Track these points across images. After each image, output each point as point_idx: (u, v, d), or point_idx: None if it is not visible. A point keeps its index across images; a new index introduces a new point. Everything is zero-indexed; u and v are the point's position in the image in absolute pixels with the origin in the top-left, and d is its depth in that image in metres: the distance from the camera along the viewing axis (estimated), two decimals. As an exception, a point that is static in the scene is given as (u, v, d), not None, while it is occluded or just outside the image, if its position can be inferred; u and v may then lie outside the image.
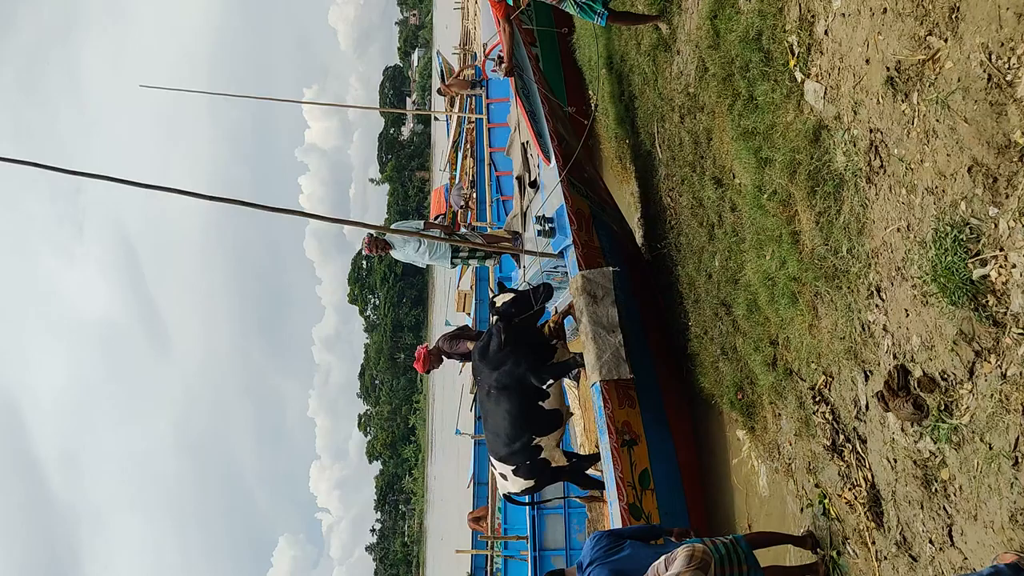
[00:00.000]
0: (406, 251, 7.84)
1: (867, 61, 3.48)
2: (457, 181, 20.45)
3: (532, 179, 7.23)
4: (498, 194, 14.63)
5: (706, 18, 5.19)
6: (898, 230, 3.36)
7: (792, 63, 4.13)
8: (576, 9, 6.30)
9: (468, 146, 19.48)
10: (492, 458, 6.83)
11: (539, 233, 6.39)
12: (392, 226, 8.47)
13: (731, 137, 4.90)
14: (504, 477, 6.77)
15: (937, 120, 3.00)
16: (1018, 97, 2.57)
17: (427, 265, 8.63)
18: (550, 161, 6.44)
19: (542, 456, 6.50)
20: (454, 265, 8.43)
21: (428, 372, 8.16)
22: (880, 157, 3.46)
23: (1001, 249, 2.72)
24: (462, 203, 18.84)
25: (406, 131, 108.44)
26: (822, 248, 3.97)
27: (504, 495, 7.51)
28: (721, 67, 4.98)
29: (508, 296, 6.50)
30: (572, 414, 7.89)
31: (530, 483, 6.70)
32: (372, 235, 7.79)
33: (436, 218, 21.78)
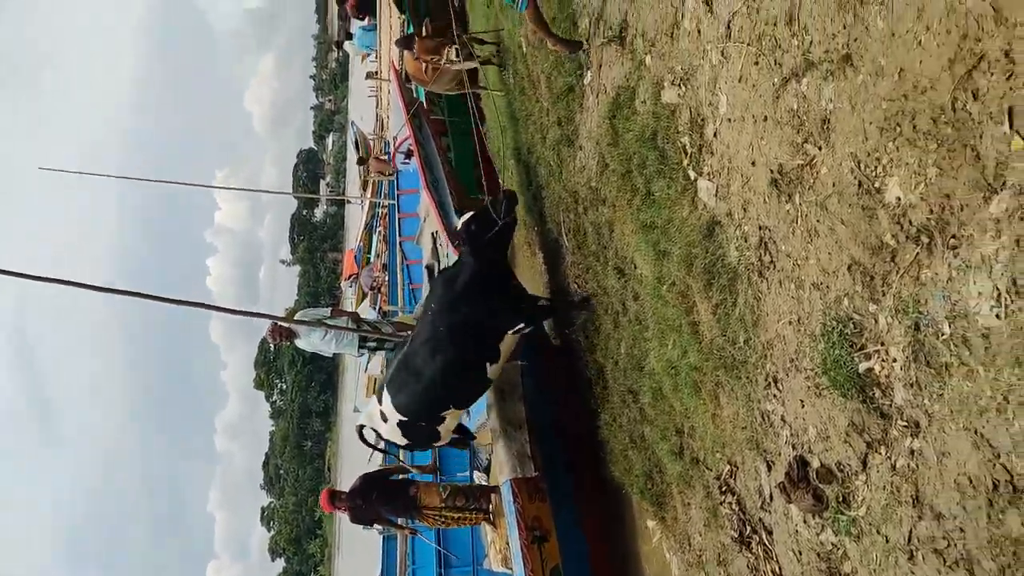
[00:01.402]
0: (311, 339, 7.66)
1: (753, 163, 3.67)
2: (370, 264, 20.38)
3: (441, 268, 7.27)
4: (409, 282, 14.64)
5: (605, 117, 5.41)
6: (790, 323, 3.49)
7: (685, 162, 4.32)
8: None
9: (381, 229, 19.51)
10: (386, 392, 5.92)
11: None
12: (297, 315, 8.31)
13: (631, 230, 5.05)
14: (384, 418, 6.01)
15: (818, 221, 3.17)
16: (886, 203, 2.73)
17: (334, 354, 8.43)
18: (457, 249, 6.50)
19: (438, 428, 5.91)
20: (361, 354, 8.28)
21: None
22: (770, 253, 3.61)
23: (882, 344, 2.85)
24: (373, 286, 18.75)
25: (319, 212, 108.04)
26: (720, 339, 4.08)
27: (359, 426, 6.57)
28: (620, 163, 5.17)
29: (467, 216, 5.74)
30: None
31: (404, 442, 6.18)
32: (276, 323, 7.62)
33: (348, 278, 21.49)
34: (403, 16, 11.85)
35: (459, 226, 5.68)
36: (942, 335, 2.51)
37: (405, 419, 5.84)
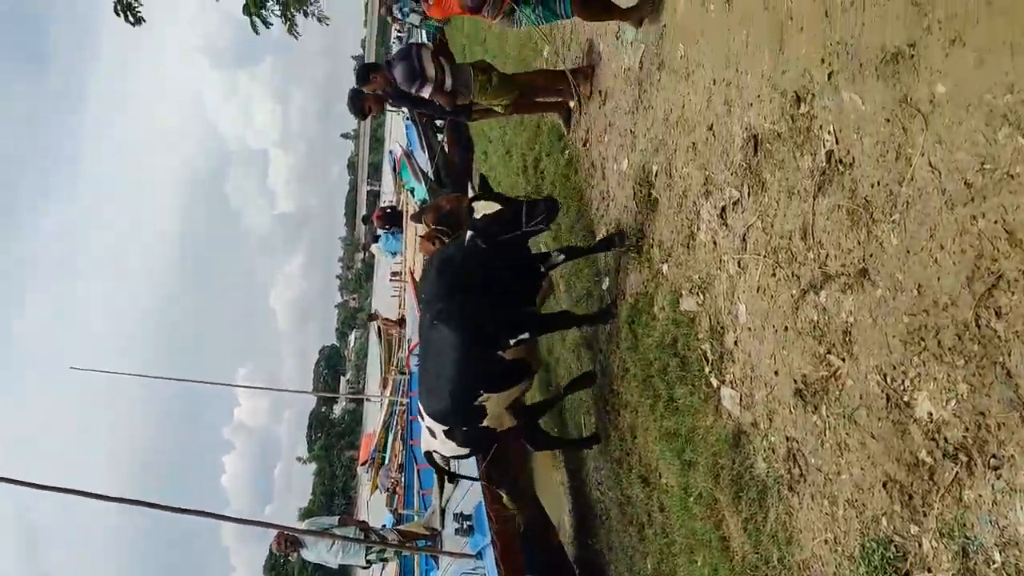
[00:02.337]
0: (318, 550, 7.35)
1: (776, 373, 3.64)
2: (386, 463, 20.01)
3: (452, 474, 7.09)
4: (421, 487, 14.29)
5: (624, 322, 5.47)
6: (825, 542, 3.30)
7: (707, 369, 4.30)
8: (533, 15, 5.28)
9: (399, 428, 19.31)
10: (421, 408, 5.51)
11: (457, 531, 6.14)
12: (304, 524, 8.05)
13: (655, 437, 4.94)
14: (432, 433, 5.47)
15: (847, 434, 3.08)
16: (918, 418, 2.66)
17: (339, 566, 8.06)
18: (469, 456, 6.36)
19: (484, 423, 5.28)
20: (368, 564, 7.91)
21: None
22: (799, 466, 3.49)
23: (929, 571, 2.67)
24: (389, 487, 18.27)
25: (338, 409, 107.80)
26: (753, 556, 3.86)
27: (425, 453, 6.06)
28: (641, 368, 5.15)
29: (492, 207, 5.01)
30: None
31: (463, 451, 5.53)
32: (282, 532, 7.35)
33: (365, 463, 20.91)
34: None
35: (478, 215, 5.01)
36: (993, 563, 2.35)
37: (446, 427, 5.43)
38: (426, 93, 5.78)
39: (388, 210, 18.11)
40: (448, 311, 5.13)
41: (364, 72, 6.44)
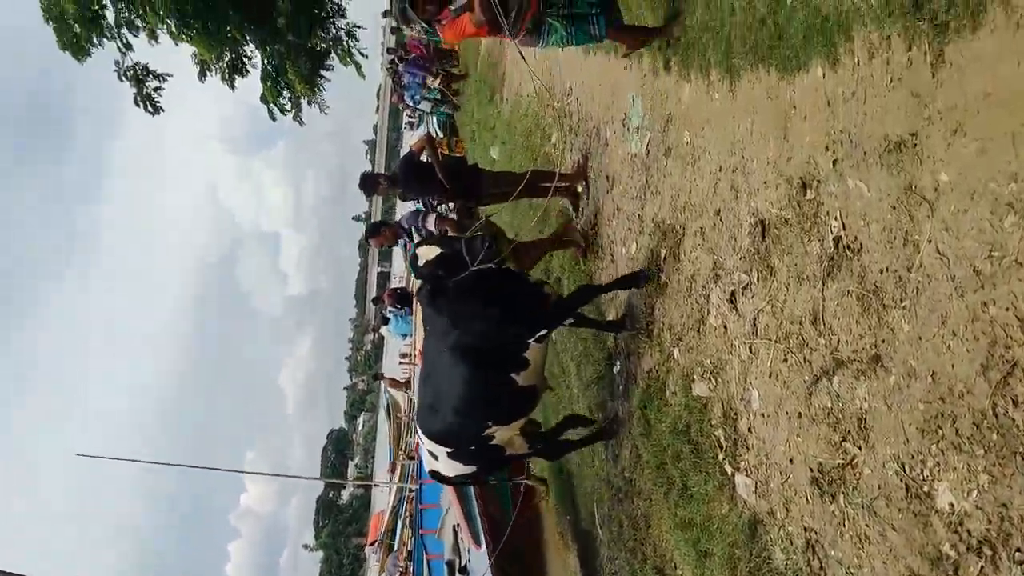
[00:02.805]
0: None
1: (791, 460, 3.58)
2: (395, 551, 19.60)
3: (462, 564, 6.93)
4: (431, 576, 13.92)
5: (637, 407, 5.41)
6: (849, 638, 3.18)
7: (721, 456, 4.23)
8: (565, 32, 4.81)
9: (408, 515, 18.95)
10: (420, 430, 5.34)
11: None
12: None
13: (669, 526, 4.83)
14: (433, 456, 5.28)
15: (867, 525, 3.00)
16: (939, 509, 2.60)
17: None
18: (480, 545, 6.23)
19: (494, 443, 5.16)
20: None
21: None
22: (818, 557, 3.39)
23: (957, 671, 2.56)
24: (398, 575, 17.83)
25: (345, 495, 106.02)
26: (774, 653, 3.72)
27: (431, 472, 5.84)
28: (654, 455, 5.08)
29: (432, 252, 4.92)
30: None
31: (470, 469, 5.30)
32: None
33: (373, 544, 20.39)
34: None
35: (421, 261, 4.90)
36: (1025, 663, 2.26)
37: (450, 450, 5.31)
38: (431, 224, 6.84)
39: (399, 290, 18.25)
40: (458, 340, 4.99)
41: (374, 228, 6.96)
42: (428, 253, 4.93)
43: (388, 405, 19.10)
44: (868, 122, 3.20)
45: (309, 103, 15.30)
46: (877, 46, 3.14)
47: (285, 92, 14.80)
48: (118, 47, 12.96)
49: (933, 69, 2.82)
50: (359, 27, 15.70)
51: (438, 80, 15.19)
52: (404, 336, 19.41)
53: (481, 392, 5.02)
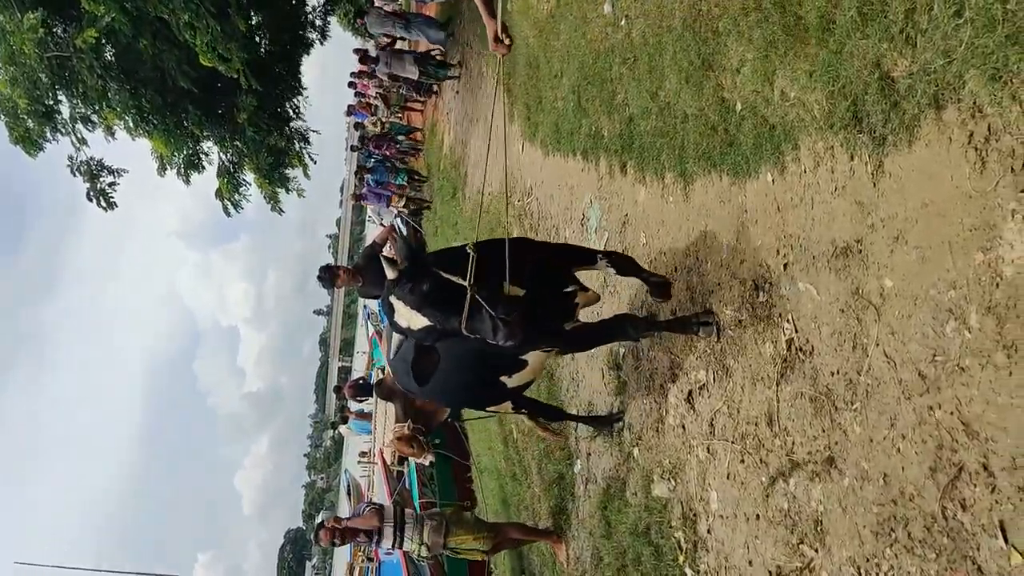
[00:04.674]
0: None
1: (750, 562, 3.53)
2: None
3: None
4: None
5: (597, 508, 5.34)
6: None
7: (681, 559, 4.16)
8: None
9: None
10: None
11: None
12: None
13: (632, 632, 4.69)
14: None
15: (827, 631, 2.96)
16: (898, 615, 2.58)
17: None
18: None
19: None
20: None
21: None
22: (780, 666, 3.31)
23: None
24: None
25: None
26: None
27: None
28: (615, 557, 4.98)
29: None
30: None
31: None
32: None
33: None
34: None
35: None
36: None
37: None
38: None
39: (360, 381, 18.01)
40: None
41: (327, 271, 6.68)
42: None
43: (349, 486, 18.46)
44: (816, 227, 3.32)
45: (267, 199, 15.37)
46: (822, 155, 3.29)
47: (242, 188, 14.86)
48: (72, 142, 12.89)
49: (874, 179, 2.96)
50: (314, 131, 15.99)
51: (403, 202, 15.29)
52: (364, 433, 19.05)
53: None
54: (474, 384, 4.47)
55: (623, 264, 4.30)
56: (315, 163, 16.02)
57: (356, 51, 17.26)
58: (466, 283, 3.11)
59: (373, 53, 14.18)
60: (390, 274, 3.24)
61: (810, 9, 3.29)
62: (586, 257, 4.17)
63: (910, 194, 2.76)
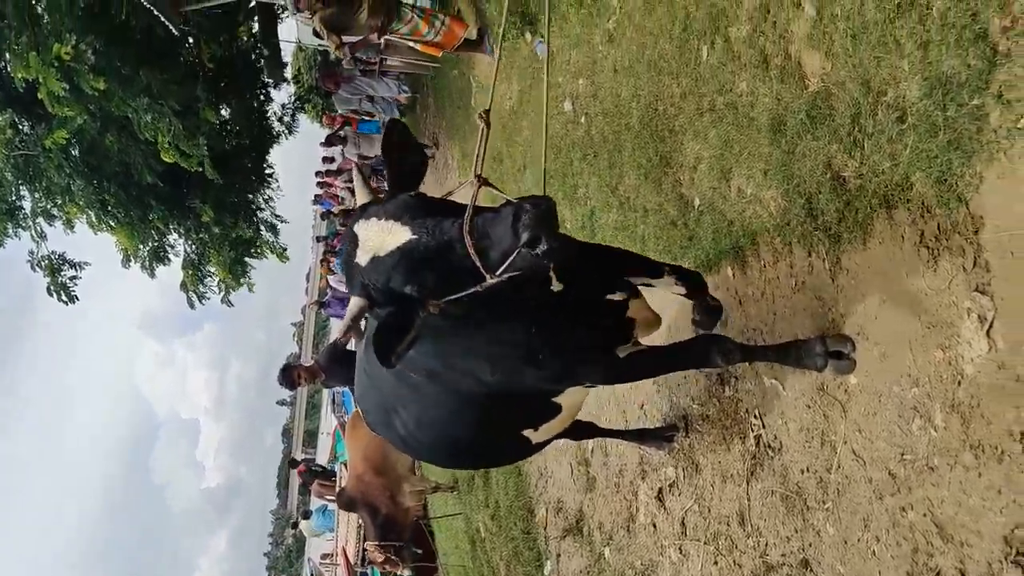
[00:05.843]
0: None
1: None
2: None
3: None
4: None
5: (568, 611, 5.16)
6: None
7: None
8: None
9: None
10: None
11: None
12: None
13: None
14: None
15: None
16: None
17: None
18: None
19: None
20: None
21: None
22: None
23: None
24: None
25: None
26: None
27: None
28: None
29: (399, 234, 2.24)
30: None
31: None
32: None
33: None
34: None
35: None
36: None
37: None
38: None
39: (316, 467, 17.51)
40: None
41: (286, 379, 6.66)
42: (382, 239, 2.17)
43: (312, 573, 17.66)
44: (778, 322, 3.34)
45: (228, 292, 15.20)
46: (780, 251, 3.33)
47: (207, 280, 14.70)
48: (32, 236, 12.68)
49: (832, 275, 2.99)
50: (283, 221, 15.98)
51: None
52: (325, 530, 18.50)
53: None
54: (483, 439, 3.11)
55: (694, 282, 3.25)
56: (286, 252, 15.96)
57: (324, 159, 17.46)
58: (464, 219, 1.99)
59: (342, 133, 14.29)
60: (364, 197, 2.31)
61: (762, 111, 3.39)
62: (648, 266, 3.11)
63: (868, 290, 2.79)
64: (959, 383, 2.33)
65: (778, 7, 3.31)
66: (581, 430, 4.10)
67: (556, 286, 2.50)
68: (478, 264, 1.97)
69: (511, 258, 1.92)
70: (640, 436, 4.22)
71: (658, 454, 4.16)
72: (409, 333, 2.14)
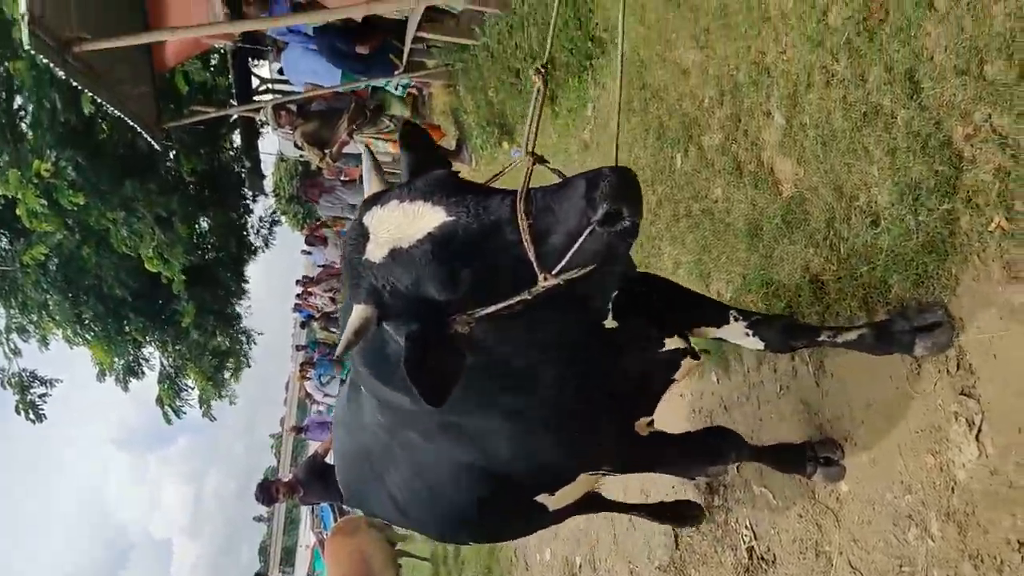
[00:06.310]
0: None
1: None
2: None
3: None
4: None
5: None
6: None
7: None
8: None
9: None
10: None
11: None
12: None
13: None
14: None
15: None
16: None
17: None
18: None
19: None
20: None
21: None
22: None
23: None
24: None
25: None
26: None
27: None
28: None
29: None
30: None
31: None
32: None
33: None
34: None
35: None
36: None
37: None
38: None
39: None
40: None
41: (264, 495, 6.56)
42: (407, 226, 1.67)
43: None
44: (765, 428, 3.28)
45: (220, 396, 14.98)
46: (763, 355, 3.31)
47: (183, 394, 14.50)
48: (4, 353, 12.51)
49: (816, 379, 2.97)
50: (259, 333, 15.96)
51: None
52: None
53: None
54: (491, 507, 2.45)
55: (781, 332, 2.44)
56: (250, 367, 15.85)
57: (299, 280, 17.45)
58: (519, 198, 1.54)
59: (323, 233, 14.38)
60: (375, 185, 1.81)
61: (738, 216, 3.44)
62: (714, 313, 2.48)
63: (854, 394, 2.76)
64: (952, 489, 2.28)
65: (748, 116, 3.41)
66: (592, 502, 3.56)
67: (610, 322, 2.00)
68: (531, 256, 1.51)
69: (579, 241, 1.47)
70: (659, 513, 3.61)
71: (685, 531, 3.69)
72: (452, 352, 1.61)
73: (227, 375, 15.13)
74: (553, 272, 1.52)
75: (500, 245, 1.54)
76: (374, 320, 1.62)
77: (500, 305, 1.59)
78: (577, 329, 1.92)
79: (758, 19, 3.36)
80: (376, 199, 1.70)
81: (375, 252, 1.61)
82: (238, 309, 15.55)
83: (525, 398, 2.02)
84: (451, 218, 1.55)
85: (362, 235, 1.64)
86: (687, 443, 2.60)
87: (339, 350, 1.61)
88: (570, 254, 1.49)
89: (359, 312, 1.62)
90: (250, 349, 15.56)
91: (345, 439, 2.85)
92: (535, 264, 1.52)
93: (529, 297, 1.57)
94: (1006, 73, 2.13)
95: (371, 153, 1.96)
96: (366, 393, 2.35)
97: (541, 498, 2.47)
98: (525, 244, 1.51)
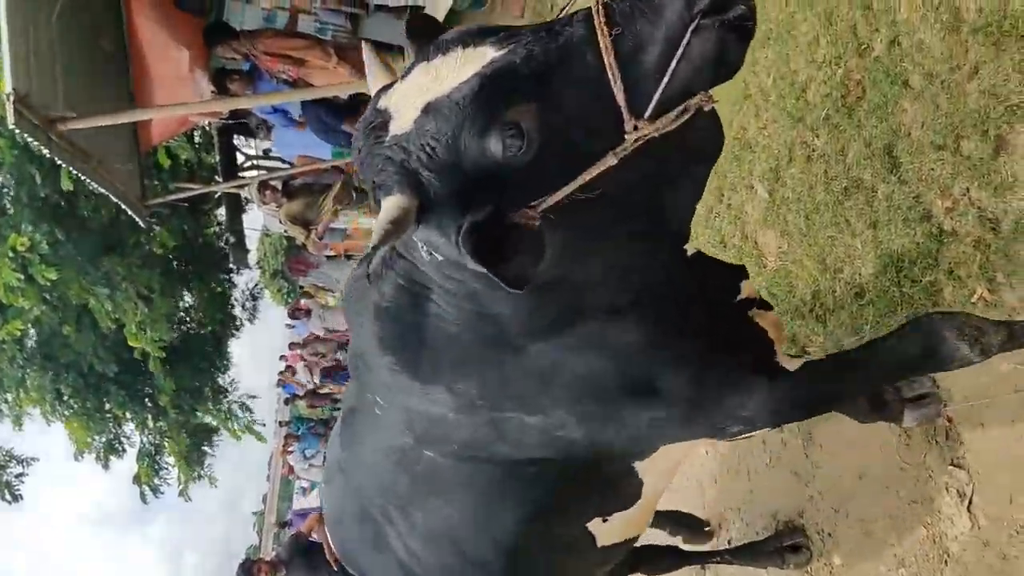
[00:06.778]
0: None
1: None
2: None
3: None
4: None
5: None
6: None
7: None
8: None
9: None
10: None
11: None
12: None
13: None
14: None
15: None
16: None
17: None
18: None
19: None
20: None
21: None
22: None
23: None
24: None
25: None
26: None
27: None
28: None
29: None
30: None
31: None
32: None
33: None
34: None
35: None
36: None
37: None
38: None
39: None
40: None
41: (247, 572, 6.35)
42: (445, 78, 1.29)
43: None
44: (756, 500, 3.26)
45: (198, 476, 14.67)
46: (751, 426, 3.30)
47: (163, 472, 14.19)
48: (-20, 433, 12.32)
49: (806, 450, 2.96)
50: (253, 396, 15.72)
51: None
52: None
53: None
54: (521, 542, 1.89)
55: None
56: (264, 426, 15.58)
57: (289, 347, 17.33)
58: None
59: (306, 305, 14.33)
60: (382, 78, 1.48)
61: (722, 289, 3.47)
62: None
63: (844, 465, 2.75)
64: (946, 562, 2.26)
65: (731, 190, 3.49)
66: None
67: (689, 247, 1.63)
68: (616, 85, 1.17)
69: (683, 46, 1.14)
70: (752, 554, 3.03)
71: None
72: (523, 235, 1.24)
73: (208, 452, 14.85)
74: (647, 115, 1.19)
75: (574, 77, 1.19)
76: (414, 211, 1.25)
77: (575, 184, 1.23)
78: (666, 256, 1.57)
79: (739, 95, 3.46)
80: (390, 84, 1.37)
81: (403, 121, 1.27)
82: (222, 383, 15.36)
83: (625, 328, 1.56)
84: (503, 51, 1.21)
85: (382, 120, 1.30)
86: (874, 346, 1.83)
87: (375, 240, 1.20)
88: (671, 70, 1.15)
89: (392, 202, 1.25)
90: (247, 418, 15.28)
91: (337, 482, 2.34)
92: (622, 103, 1.19)
93: (615, 161, 1.21)
94: (982, 148, 2.20)
95: (371, 46, 1.61)
96: (382, 412, 1.84)
97: (593, 526, 1.95)
98: (609, 70, 1.16)
